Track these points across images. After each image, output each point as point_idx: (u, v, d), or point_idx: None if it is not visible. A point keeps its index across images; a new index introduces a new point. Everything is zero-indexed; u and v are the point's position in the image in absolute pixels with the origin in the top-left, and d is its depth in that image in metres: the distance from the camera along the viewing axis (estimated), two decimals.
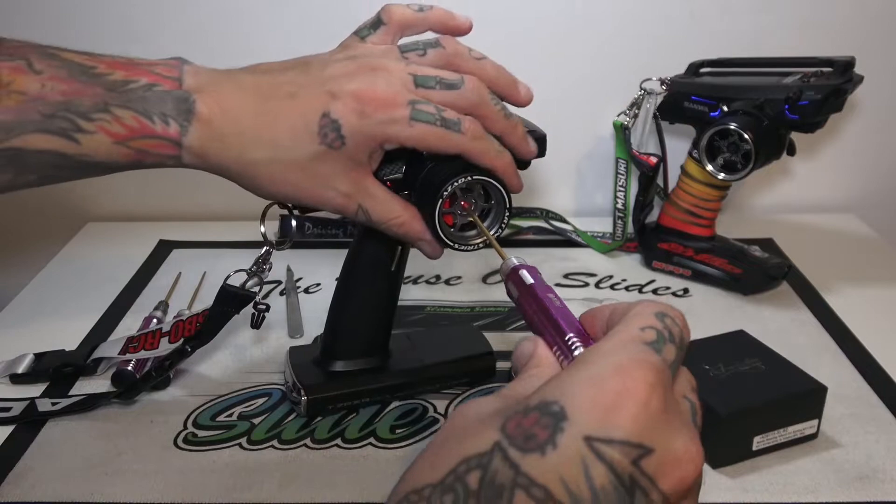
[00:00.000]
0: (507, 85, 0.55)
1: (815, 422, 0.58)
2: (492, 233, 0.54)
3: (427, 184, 0.53)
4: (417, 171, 0.54)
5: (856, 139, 0.99)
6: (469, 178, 0.52)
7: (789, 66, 0.80)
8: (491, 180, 0.52)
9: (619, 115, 0.88)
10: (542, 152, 0.58)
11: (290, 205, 0.57)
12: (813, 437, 0.59)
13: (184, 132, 0.50)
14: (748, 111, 0.76)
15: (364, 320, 0.62)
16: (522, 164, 0.57)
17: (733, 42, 0.91)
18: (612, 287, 0.83)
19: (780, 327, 0.74)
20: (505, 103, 0.54)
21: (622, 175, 0.88)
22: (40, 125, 0.49)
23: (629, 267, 0.87)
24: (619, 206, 0.89)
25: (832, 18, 0.93)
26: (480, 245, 0.54)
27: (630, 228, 0.89)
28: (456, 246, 0.54)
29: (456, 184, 0.51)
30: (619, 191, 0.89)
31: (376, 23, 0.56)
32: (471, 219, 0.54)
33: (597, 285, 0.83)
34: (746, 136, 0.74)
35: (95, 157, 0.50)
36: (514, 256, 0.44)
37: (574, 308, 0.82)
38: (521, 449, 0.29)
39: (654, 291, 0.82)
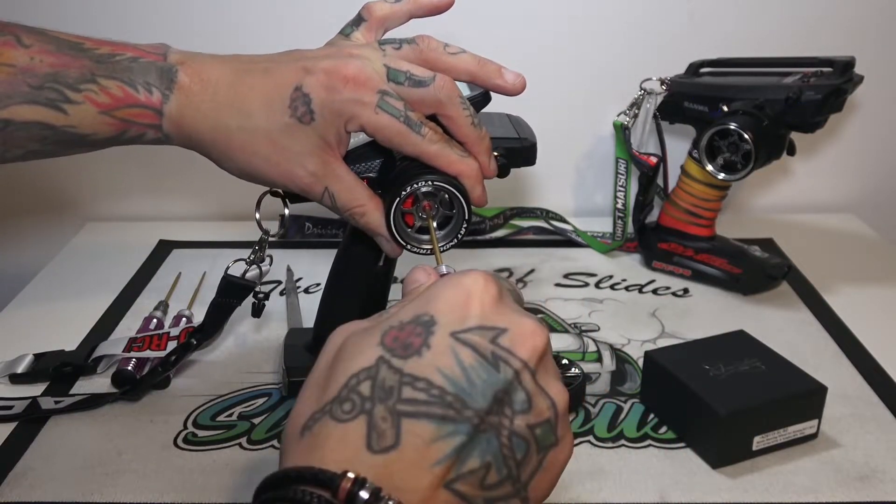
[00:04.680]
0: (491, 74, 0.55)
1: (815, 422, 0.58)
2: (447, 243, 0.54)
3: (392, 182, 0.54)
4: (389, 171, 0.55)
5: (856, 139, 0.99)
6: (431, 183, 0.52)
7: (789, 66, 0.80)
8: (453, 189, 0.53)
9: (619, 115, 0.88)
10: (531, 161, 0.59)
11: (274, 189, 0.57)
12: (813, 437, 0.59)
13: (165, 100, 0.52)
14: (748, 111, 0.76)
15: (352, 313, 0.62)
16: (502, 173, 0.57)
17: (733, 42, 0.91)
18: (612, 287, 0.83)
19: (780, 327, 0.74)
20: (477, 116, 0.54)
21: (622, 175, 0.88)
22: (28, 96, 0.50)
23: (629, 267, 0.87)
24: (619, 206, 0.89)
25: (832, 18, 0.93)
26: (430, 251, 0.54)
27: (630, 228, 0.89)
28: (408, 246, 0.54)
29: (416, 185, 0.52)
30: (619, 191, 0.89)
31: (358, 20, 0.58)
32: (426, 223, 0.54)
33: (597, 285, 0.83)
34: (746, 136, 0.74)
35: (81, 128, 0.52)
36: (446, 266, 0.44)
37: (574, 308, 0.81)
38: (402, 357, 0.35)
39: (654, 291, 0.82)
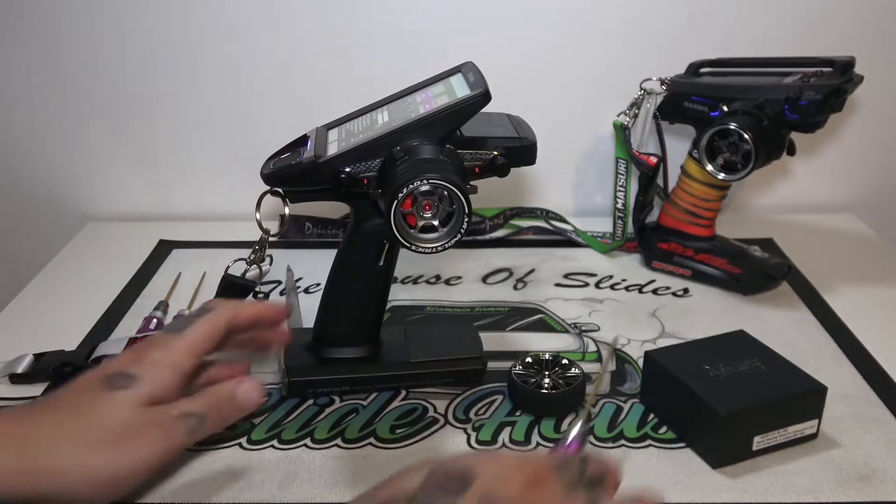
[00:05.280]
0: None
1: (815, 422, 0.58)
2: (449, 240, 0.55)
3: (391, 183, 0.54)
4: (389, 171, 0.55)
5: (856, 139, 0.99)
6: (428, 182, 0.53)
7: (789, 66, 0.80)
8: (451, 187, 0.53)
9: (619, 115, 0.88)
10: (531, 160, 0.59)
11: (274, 189, 0.57)
12: (813, 437, 0.59)
13: None
14: (748, 111, 0.76)
15: (352, 313, 0.63)
16: (502, 172, 0.57)
17: (733, 42, 0.91)
18: (612, 287, 0.83)
19: (780, 327, 0.74)
20: None
21: (622, 175, 0.88)
22: None
23: (629, 267, 0.87)
24: (619, 206, 0.89)
25: (832, 18, 0.93)
26: (438, 249, 0.55)
27: (630, 228, 0.89)
28: (412, 247, 0.55)
29: (413, 185, 0.52)
30: (619, 191, 0.89)
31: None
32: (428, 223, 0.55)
33: (597, 285, 0.83)
34: (746, 136, 0.74)
35: None
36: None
37: (574, 308, 0.81)
38: (443, 490, 0.39)
39: (654, 291, 0.82)
